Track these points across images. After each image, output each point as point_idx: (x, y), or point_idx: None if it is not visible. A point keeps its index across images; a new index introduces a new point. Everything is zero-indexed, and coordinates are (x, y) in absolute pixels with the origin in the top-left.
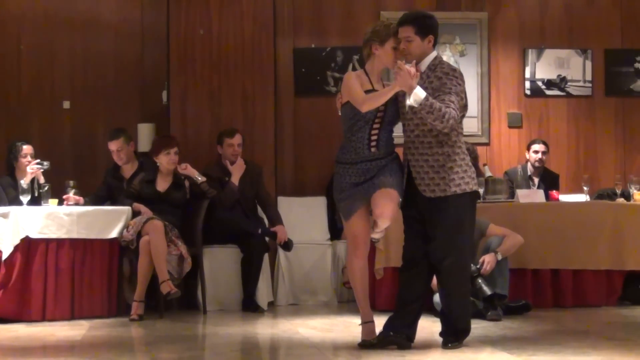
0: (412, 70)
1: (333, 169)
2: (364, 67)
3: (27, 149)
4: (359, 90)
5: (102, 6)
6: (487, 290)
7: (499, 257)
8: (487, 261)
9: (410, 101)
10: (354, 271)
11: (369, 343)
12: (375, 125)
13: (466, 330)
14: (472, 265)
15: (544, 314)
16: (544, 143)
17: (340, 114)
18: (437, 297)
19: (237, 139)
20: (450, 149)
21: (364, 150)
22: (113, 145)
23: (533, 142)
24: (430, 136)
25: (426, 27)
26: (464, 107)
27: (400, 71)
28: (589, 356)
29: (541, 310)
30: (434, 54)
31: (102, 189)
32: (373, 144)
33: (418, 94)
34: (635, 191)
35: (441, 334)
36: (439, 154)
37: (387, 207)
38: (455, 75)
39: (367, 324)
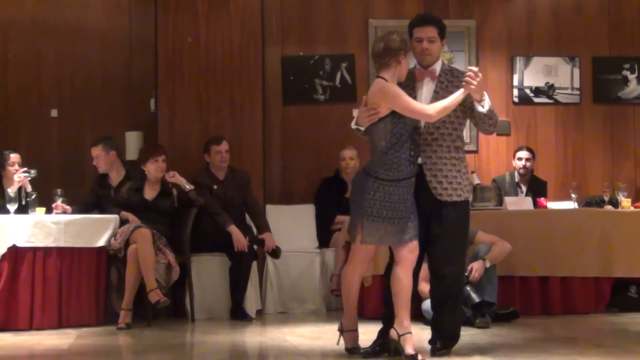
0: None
1: (321, 176)
2: (381, 76)
3: (14, 157)
4: (413, 100)
5: (89, 14)
6: (475, 298)
7: (487, 264)
8: (476, 268)
9: (485, 108)
10: (354, 280)
11: (357, 350)
12: (415, 138)
13: (456, 337)
14: None
15: (532, 321)
16: (529, 150)
17: (360, 128)
18: (425, 304)
19: (225, 146)
20: (463, 154)
21: (406, 167)
22: (92, 152)
23: (518, 149)
24: (449, 140)
25: (444, 31)
26: None
27: (477, 77)
28: None
29: (529, 317)
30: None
31: (90, 197)
32: (412, 160)
33: (489, 100)
34: (622, 198)
35: (431, 342)
36: (456, 159)
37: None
38: None
39: (353, 332)
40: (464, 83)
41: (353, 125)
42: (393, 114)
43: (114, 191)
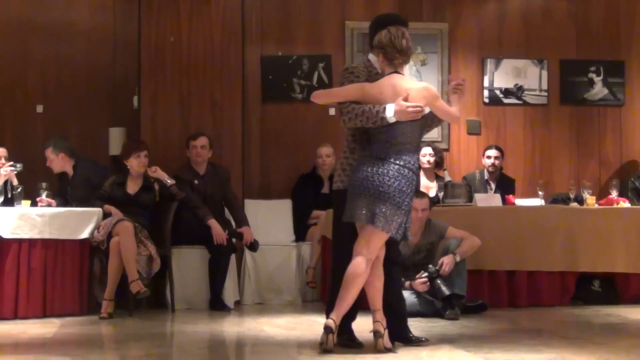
0: None
1: (298, 173)
2: (401, 72)
3: (1, 151)
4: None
5: (75, 13)
6: (445, 291)
7: (457, 258)
8: (446, 262)
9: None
10: (364, 275)
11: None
12: None
13: None
14: (431, 266)
15: (500, 314)
16: (498, 149)
17: (390, 120)
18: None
19: (200, 141)
20: None
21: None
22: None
23: (488, 148)
24: None
25: None
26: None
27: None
28: (542, 354)
29: (497, 309)
30: None
31: (59, 192)
32: None
33: None
34: (588, 196)
35: (397, 331)
36: None
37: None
38: None
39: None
40: (458, 90)
41: (389, 115)
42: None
43: (70, 186)
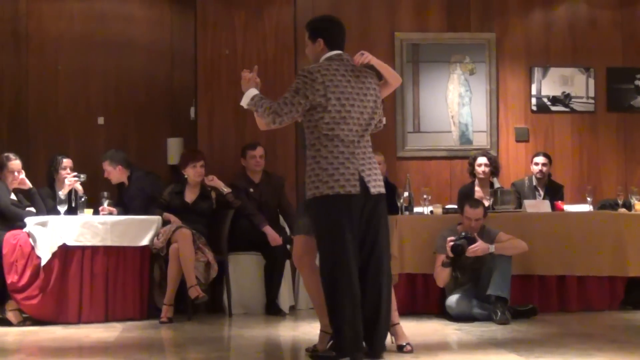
0: (246, 75)
1: None
2: None
3: (66, 162)
4: None
5: (134, 29)
6: (489, 290)
7: (492, 249)
8: (478, 246)
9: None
10: None
11: None
12: None
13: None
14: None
15: (550, 318)
16: (546, 155)
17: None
18: (450, 300)
19: (259, 151)
20: (315, 152)
21: None
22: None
23: (536, 155)
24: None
25: (314, 31)
26: (287, 104)
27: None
28: (593, 357)
29: (547, 314)
30: (328, 54)
31: (118, 201)
32: None
33: (246, 96)
34: (636, 201)
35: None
36: (308, 157)
37: None
38: (297, 74)
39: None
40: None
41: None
42: None
43: (125, 195)
